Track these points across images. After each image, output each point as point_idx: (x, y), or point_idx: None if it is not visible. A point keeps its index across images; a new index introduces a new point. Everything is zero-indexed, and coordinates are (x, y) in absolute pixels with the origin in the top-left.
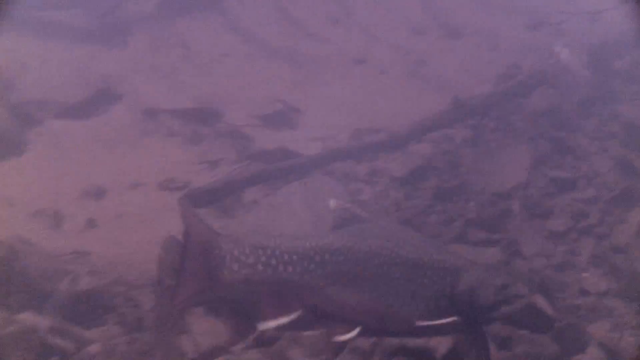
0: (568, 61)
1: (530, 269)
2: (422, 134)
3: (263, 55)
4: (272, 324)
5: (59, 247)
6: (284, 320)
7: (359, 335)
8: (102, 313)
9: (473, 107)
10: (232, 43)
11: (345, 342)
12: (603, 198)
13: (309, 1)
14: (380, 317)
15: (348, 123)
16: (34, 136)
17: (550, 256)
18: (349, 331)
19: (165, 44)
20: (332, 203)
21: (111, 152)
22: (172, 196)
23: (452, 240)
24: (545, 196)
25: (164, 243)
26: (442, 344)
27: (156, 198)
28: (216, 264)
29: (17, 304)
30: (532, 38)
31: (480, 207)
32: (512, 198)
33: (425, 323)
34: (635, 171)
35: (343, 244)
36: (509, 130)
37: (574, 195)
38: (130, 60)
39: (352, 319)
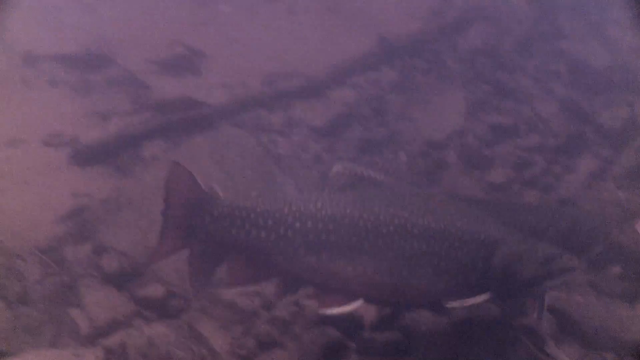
0: None
1: None
2: (343, 78)
3: None
4: (237, 289)
5: None
6: (249, 286)
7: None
8: None
9: (401, 47)
10: None
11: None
12: (548, 145)
13: None
14: (390, 291)
15: (258, 67)
16: None
17: None
18: (344, 303)
19: None
20: (337, 167)
21: None
22: (57, 153)
23: None
24: (484, 145)
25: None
26: (369, 312)
27: (40, 156)
28: (195, 223)
29: None
30: None
31: (411, 159)
32: (447, 148)
33: (455, 304)
34: (583, 115)
35: (334, 211)
36: (442, 72)
37: (515, 143)
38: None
39: (350, 291)
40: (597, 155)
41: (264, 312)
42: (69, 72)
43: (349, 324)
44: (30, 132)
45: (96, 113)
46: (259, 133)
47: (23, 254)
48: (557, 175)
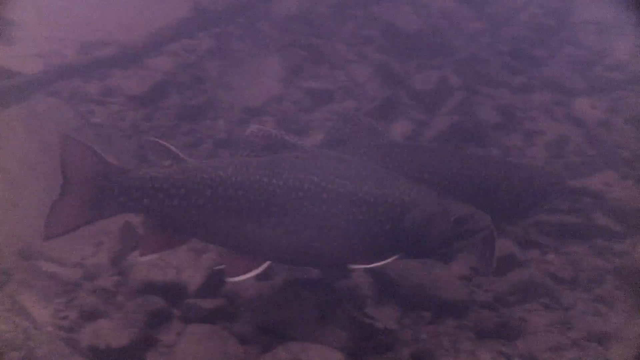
0: None
1: None
2: (160, 46)
3: None
4: (151, 256)
5: None
6: (162, 253)
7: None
8: None
9: (217, 13)
10: None
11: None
12: (364, 109)
13: None
14: (298, 254)
15: (74, 37)
16: None
17: None
18: (251, 267)
19: None
20: (252, 128)
21: None
22: None
23: None
24: (302, 110)
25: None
26: (193, 279)
27: None
28: (103, 196)
29: None
30: None
31: (230, 126)
32: (265, 114)
33: (359, 266)
34: (397, 78)
35: (245, 177)
36: (258, 38)
37: (332, 107)
38: None
39: (259, 254)
40: (411, 118)
41: (86, 283)
42: None
43: (173, 291)
44: None
45: None
46: (76, 103)
47: None
48: None
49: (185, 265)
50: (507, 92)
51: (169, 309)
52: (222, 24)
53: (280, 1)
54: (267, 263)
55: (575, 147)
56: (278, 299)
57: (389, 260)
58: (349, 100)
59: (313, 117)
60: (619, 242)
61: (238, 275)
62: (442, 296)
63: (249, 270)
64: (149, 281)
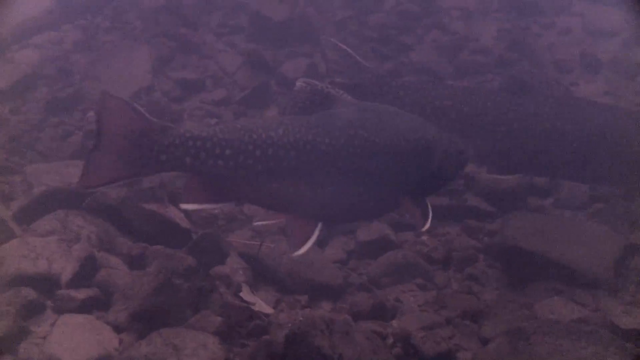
0: None
1: (161, 181)
2: (24, 39)
3: None
4: (193, 207)
5: None
6: (206, 206)
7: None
8: None
9: (82, 4)
10: None
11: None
12: (235, 98)
13: None
14: (349, 212)
15: None
16: None
17: None
18: (307, 234)
19: None
20: (299, 83)
21: None
22: None
23: (70, 157)
24: (172, 100)
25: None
26: (66, 270)
27: None
28: (142, 153)
29: None
30: None
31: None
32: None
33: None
34: (267, 67)
35: (296, 137)
36: (125, 30)
37: (202, 97)
38: None
39: (310, 215)
40: (280, 105)
41: None
42: None
43: (45, 282)
44: None
45: None
46: None
47: None
48: None
49: (57, 255)
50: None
51: (42, 300)
52: (89, 15)
53: None
54: (320, 226)
55: None
56: (151, 286)
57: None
58: (219, 89)
59: (184, 106)
60: (489, 222)
61: (300, 246)
62: (317, 280)
63: (307, 237)
64: (20, 273)
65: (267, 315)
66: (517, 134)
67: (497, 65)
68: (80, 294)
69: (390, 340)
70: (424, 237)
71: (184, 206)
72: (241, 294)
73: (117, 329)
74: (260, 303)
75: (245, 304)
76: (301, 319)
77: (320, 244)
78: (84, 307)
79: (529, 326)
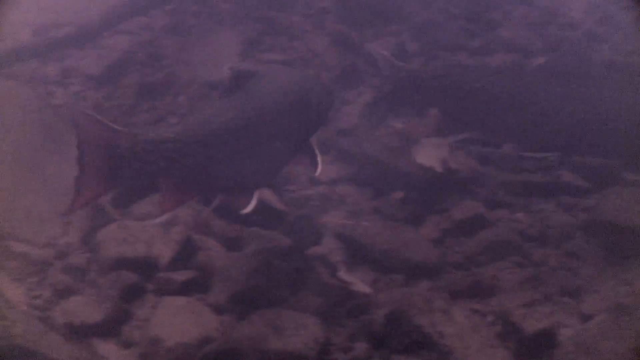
0: None
1: None
2: (114, 25)
3: None
4: (168, 214)
5: None
6: (177, 209)
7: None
8: None
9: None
10: None
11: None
12: (325, 78)
13: None
14: (278, 171)
15: (29, 20)
16: None
17: None
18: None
19: None
20: (226, 69)
21: None
22: None
23: None
24: None
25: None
26: (164, 253)
27: None
28: (116, 165)
29: None
30: None
31: (192, 101)
32: None
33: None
34: (354, 47)
35: (235, 117)
36: (212, 13)
37: None
38: None
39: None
40: (370, 85)
41: (58, 262)
42: None
43: (145, 265)
44: None
45: None
46: (35, 84)
47: None
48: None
49: (155, 239)
50: (465, 55)
51: (142, 283)
52: (176, 1)
53: None
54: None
55: None
56: (250, 268)
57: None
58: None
59: None
60: (585, 198)
61: (247, 206)
62: (413, 259)
63: (251, 198)
64: (120, 257)
65: (365, 294)
66: (547, 113)
67: (586, 40)
68: (180, 276)
69: (490, 318)
70: (519, 214)
71: (158, 220)
72: (339, 274)
73: (218, 310)
74: (358, 283)
75: (343, 283)
76: (400, 298)
77: (414, 222)
78: (184, 290)
79: (632, 302)
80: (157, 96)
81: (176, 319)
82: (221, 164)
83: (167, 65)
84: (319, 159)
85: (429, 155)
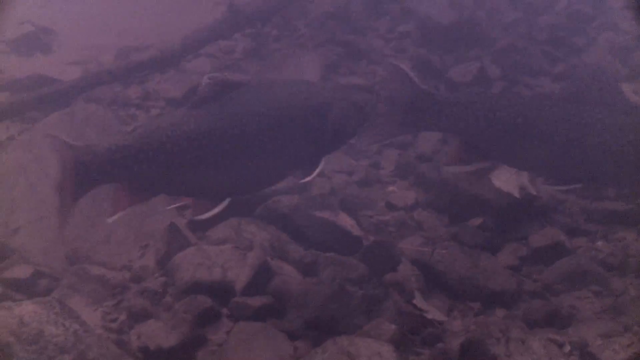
0: None
1: (331, 188)
2: (197, 48)
3: None
4: (116, 217)
5: None
6: (130, 209)
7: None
8: None
9: (252, 14)
10: None
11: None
12: None
13: None
14: (253, 184)
15: (111, 42)
16: None
17: (352, 172)
18: (212, 207)
19: None
20: (205, 80)
21: None
22: None
23: None
24: None
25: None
26: (240, 277)
27: None
28: (82, 179)
29: None
30: None
31: None
32: None
33: (307, 179)
34: (435, 71)
35: (197, 127)
36: (294, 37)
37: None
38: None
39: (219, 195)
40: None
41: (134, 285)
42: None
43: (220, 290)
44: None
45: None
46: (117, 107)
47: None
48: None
49: (231, 263)
50: (547, 80)
51: (217, 308)
52: (259, 24)
53: (314, 0)
54: (227, 200)
55: None
56: (325, 294)
57: (323, 163)
58: None
59: None
60: None
61: (203, 213)
62: (490, 286)
63: (212, 207)
64: (195, 281)
65: (440, 322)
66: (572, 143)
67: None
68: (255, 302)
69: (567, 349)
70: (599, 243)
71: (110, 219)
72: (414, 301)
73: (292, 336)
74: (434, 310)
75: (418, 311)
76: (475, 326)
77: (492, 250)
78: (259, 315)
79: None
80: None
81: (251, 345)
82: (175, 171)
83: None
84: (315, 170)
85: (508, 181)
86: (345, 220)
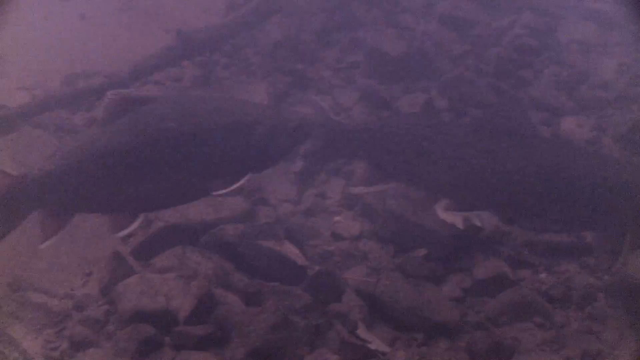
0: None
1: (277, 217)
2: (145, 75)
3: None
4: (48, 243)
5: None
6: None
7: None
8: None
9: (201, 42)
10: None
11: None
12: None
13: None
14: (176, 198)
15: (58, 69)
16: None
17: (298, 202)
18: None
19: None
20: (109, 95)
21: None
22: None
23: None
24: None
25: None
26: (183, 306)
27: None
28: (14, 206)
29: None
30: None
31: None
32: None
33: (221, 192)
34: (384, 102)
35: (116, 143)
36: (243, 65)
37: None
38: None
39: (137, 209)
40: None
41: (76, 313)
42: None
43: (163, 319)
44: None
45: None
46: (63, 134)
47: None
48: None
49: (175, 292)
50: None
51: (160, 337)
52: (207, 52)
53: (264, 28)
54: (143, 215)
55: None
56: (268, 323)
57: (244, 179)
58: None
59: None
60: (609, 260)
61: (122, 229)
62: (434, 318)
63: (130, 223)
64: (138, 310)
65: (384, 353)
66: (475, 170)
67: (617, 100)
68: (198, 331)
69: None
70: (543, 275)
71: (43, 245)
72: (358, 332)
73: None
74: (377, 341)
75: (361, 342)
76: (417, 358)
77: (436, 281)
78: (202, 344)
79: None
80: None
81: None
82: (92, 189)
83: None
84: (232, 187)
85: (453, 212)
86: (291, 250)
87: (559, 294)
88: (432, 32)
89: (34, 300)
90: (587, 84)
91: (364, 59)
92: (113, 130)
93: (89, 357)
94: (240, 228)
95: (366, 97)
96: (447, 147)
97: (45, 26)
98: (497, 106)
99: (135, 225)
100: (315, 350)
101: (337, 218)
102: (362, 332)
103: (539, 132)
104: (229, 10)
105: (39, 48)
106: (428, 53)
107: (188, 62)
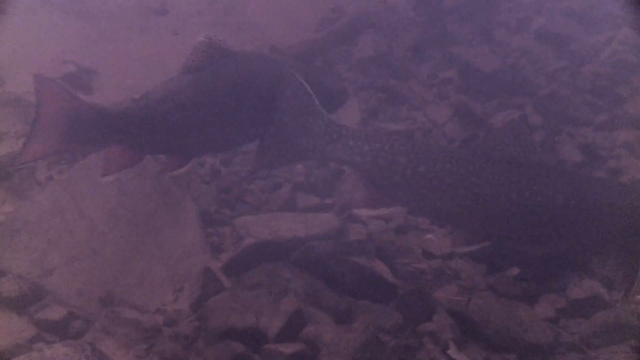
0: (393, 1)
1: (368, 234)
2: None
3: (47, 9)
4: (110, 178)
5: None
6: (127, 168)
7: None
8: None
9: (293, 57)
10: None
11: None
12: None
13: None
14: (229, 143)
15: (150, 84)
16: None
17: (390, 219)
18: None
19: None
20: (200, 39)
21: None
22: None
23: (279, 208)
24: None
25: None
26: (273, 324)
27: None
28: (76, 129)
29: None
30: None
31: (308, 169)
32: None
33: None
34: (476, 118)
35: (198, 94)
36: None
37: None
38: None
39: (198, 152)
40: None
41: (166, 329)
42: None
43: (253, 336)
44: None
45: None
46: None
47: None
48: None
49: (265, 309)
50: (589, 130)
51: (249, 355)
52: None
53: (357, 43)
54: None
55: None
56: (358, 342)
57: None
58: None
59: None
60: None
61: (178, 168)
62: (527, 338)
63: (182, 165)
64: (228, 326)
65: None
66: (476, 198)
67: None
68: (287, 349)
69: None
70: (639, 297)
71: (104, 179)
72: (449, 352)
73: None
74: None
75: None
76: None
77: (529, 300)
78: None
79: None
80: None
81: None
82: (169, 134)
83: None
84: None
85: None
86: (381, 267)
87: None
88: (527, 48)
89: (125, 316)
90: None
91: (457, 75)
92: (195, 79)
93: None
94: (331, 245)
95: (460, 113)
96: (446, 175)
97: (142, 39)
98: (501, 132)
99: (188, 167)
100: None
101: (428, 236)
102: (453, 352)
103: (544, 159)
104: (322, 25)
105: (132, 63)
106: (522, 69)
107: None
